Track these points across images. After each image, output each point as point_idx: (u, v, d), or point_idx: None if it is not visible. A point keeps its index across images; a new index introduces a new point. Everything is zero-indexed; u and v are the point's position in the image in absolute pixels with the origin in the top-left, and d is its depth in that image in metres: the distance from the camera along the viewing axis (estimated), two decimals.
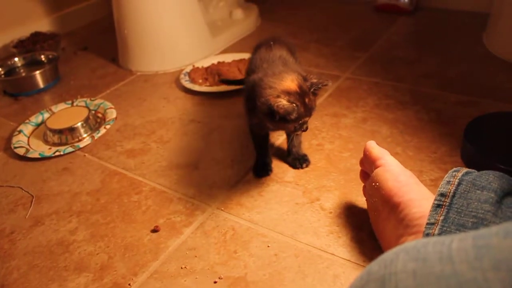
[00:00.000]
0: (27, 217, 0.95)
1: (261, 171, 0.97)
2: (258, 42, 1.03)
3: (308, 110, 0.80)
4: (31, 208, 0.97)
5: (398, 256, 0.37)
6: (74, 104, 1.34)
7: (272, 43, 0.97)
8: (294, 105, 0.76)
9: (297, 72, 0.82)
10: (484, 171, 0.65)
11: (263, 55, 0.93)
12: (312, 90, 0.80)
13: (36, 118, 1.30)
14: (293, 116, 0.77)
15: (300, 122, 0.80)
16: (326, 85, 0.82)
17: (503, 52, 1.35)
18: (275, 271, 0.74)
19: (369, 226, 0.79)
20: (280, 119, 0.78)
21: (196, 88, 1.34)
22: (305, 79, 0.81)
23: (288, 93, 0.78)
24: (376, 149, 0.77)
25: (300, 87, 0.79)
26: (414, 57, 1.41)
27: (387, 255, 0.39)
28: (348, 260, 0.75)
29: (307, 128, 0.84)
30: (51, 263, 0.82)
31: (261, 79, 0.82)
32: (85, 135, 1.20)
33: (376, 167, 0.75)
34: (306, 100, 0.79)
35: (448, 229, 0.60)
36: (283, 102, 0.76)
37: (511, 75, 1.25)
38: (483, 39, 1.47)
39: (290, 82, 0.79)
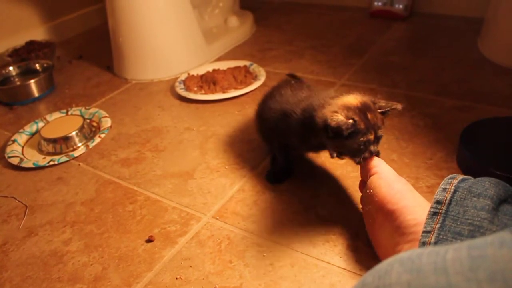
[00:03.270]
0: (20, 227, 0.94)
1: (283, 175, 0.96)
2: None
3: (371, 127, 0.73)
4: (25, 218, 0.96)
5: (392, 267, 0.36)
6: (69, 113, 1.33)
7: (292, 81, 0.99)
8: (351, 120, 0.71)
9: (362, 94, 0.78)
10: (480, 178, 0.65)
11: (293, 87, 0.94)
12: (380, 111, 0.76)
13: (31, 127, 1.29)
14: (348, 131, 0.71)
15: (363, 140, 0.74)
16: (395, 109, 0.77)
17: (497, 57, 1.35)
18: (271, 281, 0.74)
19: (365, 234, 0.78)
20: (335, 136, 0.73)
21: (191, 96, 1.33)
22: (373, 101, 0.76)
23: (347, 107, 0.73)
24: (371, 158, 0.77)
25: (362, 103, 0.74)
26: (409, 63, 1.41)
27: (382, 266, 0.38)
28: (344, 269, 0.74)
29: (377, 152, 0.77)
30: (44, 274, 0.81)
31: (319, 100, 0.79)
32: (79, 144, 1.19)
33: (371, 175, 0.75)
34: (369, 115, 0.73)
35: (444, 237, 0.60)
36: (338, 116, 0.72)
37: (506, 80, 1.25)
38: (477, 44, 1.47)
39: (352, 98, 0.75)
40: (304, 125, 0.82)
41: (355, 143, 0.74)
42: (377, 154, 0.82)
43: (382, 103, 0.77)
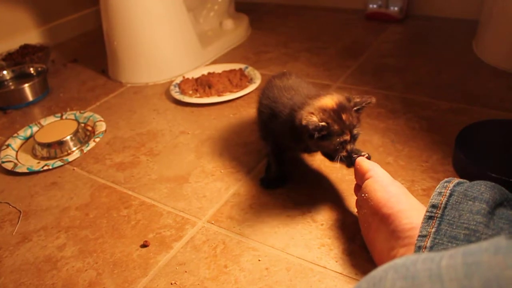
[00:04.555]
0: (14, 233, 0.93)
1: (277, 182, 0.96)
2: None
3: (346, 127, 0.76)
4: (19, 224, 0.95)
5: (387, 274, 0.36)
6: (64, 117, 1.33)
7: (285, 72, 0.98)
8: (323, 123, 0.74)
9: (338, 94, 0.81)
10: (475, 181, 0.65)
11: (282, 84, 0.93)
12: (355, 108, 0.79)
13: (25, 132, 1.28)
14: (320, 133, 0.75)
15: (340, 141, 0.76)
16: (369, 103, 0.80)
17: (493, 59, 1.35)
18: (266, 285, 0.73)
19: (361, 238, 0.78)
20: (312, 137, 0.76)
21: (186, 99, 1.33)
22: (348, 99, 0.79)
23: (323, 110, 0.76)
24: (365, 162, 0.77)
25: (338, 104, 0.77)
26: (405, 65, 1.41)
27: (376, 273, 0.38)
28: (340, 273, 0.74)
29: (351, 149, 0.79)
30: (38, 280, 0.81)
31: (300, 101, 0.82)
32: (74, 149, 1.18)
33: (366, 178, 0.74)
34: (344, 116, 0.76)
35: (440, 241, 0.59)
36: (312, 117, 0.75)
37: (502, 82, 1.25)
38: (473, 47, 1.47)
39: (329, 99, 0.78)
40: (291, 125, 0.83)
41: (331, 144, 0.77)
42: (368, 158, 0.82)
43: (357, 99, 0.80)
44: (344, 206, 0.88)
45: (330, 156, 0.80)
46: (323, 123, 0.74)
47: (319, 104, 0.78)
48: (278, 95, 0.90)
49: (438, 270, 0.33)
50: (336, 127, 0.76)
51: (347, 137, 0.77)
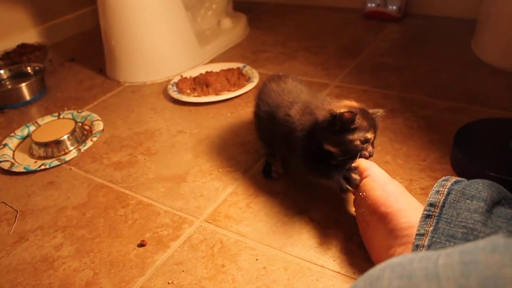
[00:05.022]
0: (10, 233, 0.93)
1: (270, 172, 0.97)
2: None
3: (372, 126, 0.77)
4: (15, 224, 0.95)
5: (383, 273, 0.36)
6: (61, 116, 1.32)
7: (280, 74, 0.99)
8: (357, 113, 0.75)
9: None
10: (473, 180, 0.64)
11: (280, 88, 0.93)
12: None
13: (22, 131, 1.28)
14: (355, 124, 0.75)
15: (365, 137, 0.76)
16: (380, 115, 0.82)
17: (491, 58, 1.35)
18: (264, 285, 0.73)
19: (359, 237, 0.77)
20: (341, 130, 0.76)
21: (184, 98, 1.33)
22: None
23: (350, 107, 0.77)
24: (363, 161, 0.77)
25: (362, 106, 0.79)
26: (403, 64, 1.41)
27: (373, 272, 0.38)
28: (338, 272, 0.73)
29: (371, 153, 0.79)
30: (34, 280, 0.80)
31: (316, 102, 0.83)
32: (71, 148, 1.18)
33: (364, 177, 0.74)
34: (368, 115, 0.78)
35: (438, 240, 0.59)
36: (346, 110, 0.75)
37: (500, 81, 1.25)
38: (471, 46, 1.47)
39: (350, 101, 0.80)
40: (302, 127, 0.82)
41: (357, 138, 0.76)
42: (371, 154, 0.82)
43: (369, 110, 0.81)
44: (342, 205, 0.87)
45: (350, 154, 0.79)
46: (356, 112, 0.75)
47: (345, 103, 0.80)
48: (278, 101, 0.90)
49: (435, 269, 0.33)
50: (365, 122, 0.76)
51: (372, 136, 0.78)
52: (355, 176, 0.76)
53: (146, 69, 1.51)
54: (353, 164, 0.77)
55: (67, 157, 1.14)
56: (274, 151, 0.97)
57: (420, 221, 0.62)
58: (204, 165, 1.05)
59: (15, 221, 0.96)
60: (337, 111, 0.75)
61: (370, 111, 0.80)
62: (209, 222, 0.88)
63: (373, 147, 0.79)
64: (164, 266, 0.79)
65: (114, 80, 1.56)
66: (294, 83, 0.94)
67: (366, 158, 0.78)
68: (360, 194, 0.73)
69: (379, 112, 0.82)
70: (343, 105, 0.78)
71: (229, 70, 1.46)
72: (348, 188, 0.76)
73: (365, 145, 0.77)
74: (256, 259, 0.78)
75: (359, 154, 0.78)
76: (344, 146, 0.77)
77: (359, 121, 0.75)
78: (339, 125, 0.75)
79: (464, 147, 0.92)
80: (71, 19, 2.11)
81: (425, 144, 1.01)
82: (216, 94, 1.33)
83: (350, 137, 0.76)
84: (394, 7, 1.75)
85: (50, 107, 1.44)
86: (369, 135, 0.77)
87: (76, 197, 1.01)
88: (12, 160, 1.16)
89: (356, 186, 0.76)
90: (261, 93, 0.96)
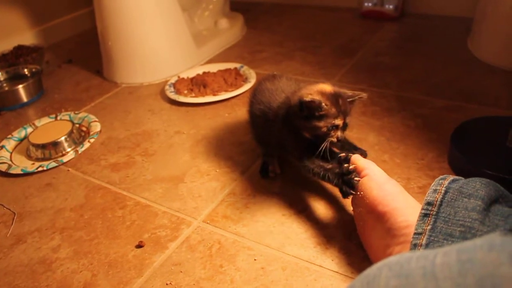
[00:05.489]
0: (8, 235, 0.92)
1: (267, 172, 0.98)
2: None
3: (341, 112, 0.78)
4: (13, 226, 0.95)
5: (381, 272, 0.36)
6: (58, 118, 1.32)
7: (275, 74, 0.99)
8: (323, 103, 0.76)
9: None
10: (471, 178, 0.64)
11: (274, 87, 0.93)
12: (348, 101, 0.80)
13: (19, 133, 1.28)
14: (321, 111, 0.76)
15: (332, 123, 0.77)
16: (361, 97, 0.82)
17: (487, 56, 1.35)
18: (262, 285, 0.73)
19: (357, 237, 0.77)
20: (309, 116, 0.77)
21: (181, 99, 1.32)
22: (342, 91, 0.81)
23: (322, 93, 0.78)
24: (361, 160, 0.77)
25: (335, 90, 0.80)
26: (400, 63, 1.41)
27: (371, 271, 0.38)
28: (336, 272, 0.73)
29: (341, 138, 0.80)
30: (32, 282, 0.80)
31: (294, 89, 0.85)
32: (69, 150, 1.18)
33: (362, 177, 0.74)
34: (340, 101, 0.78)
35: (435, 239, 0.59)
36: (313, 95, 0.76)
37: (496, 79, 1.25)
38: (468, 44, 1.47)
39: (326, 85, 0.81)
40: (283, 115, 0.84)
41: (324, 125, 0.77)
42: (364, 155, 0.82)
43: (349, 93, 0.81)
44: (340, 205, 0.87)
45: (319, 139, 0.80)
46: (322, 101, 0.76)
47: (317, 88, 0.80)
48: (271, 99, 0.90)
49: (432, 268, 0.33)
50: (333, 109, 0.77)
51: (340, 122, 0.78)
52: (356, 179, 0.75)
53: (143, 70, 1.51)
54: (350, 167, 0.76)
55: (65, 159, 1.13)
56: (269, 151, 0.97)
57: (417, 220, 0.62)
58: (202, 166, 1.05)
59: (12, 223, 0.96)
60: (304, 98, 0.76)
61: (350, 93, 0.81)
62: (207, 223, 0.88)
63: (343, 131, 0.80)
64: (162, 267, 0.79)
65: (111, 81, 1.56)
66: (289, 82, 0.94)
67: (334, 144, 0.81)
68: (358, 193, 0.73)
69: (360, 95, 0.82)
70: (314, 91, 0.79)
71: (226, 70, 1.46)
72: (351, 192, 0.75)
73: (332, 131, 0.78)
74: (254, 259, 0.78)
75: (325, 143, 0.79)
76: (313, 131, 0.79)
77: (326, 107, 0.76)
78: (306, 111, 0.77)
79: (461, 145, 0.92)
80: (67, 20, 2.10)
81: (423, 143, 1.01)
82: (214, 95, 1.33)
83: (317, 123, 0.78)
84: (391, 6, 1.75)
85: (47, 109, 1.44)
86: (337, 122, 0.78)
87: (73, 198, 1.00)
88: (10, 162, 1.16)
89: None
90: (255, 92, 0.97)
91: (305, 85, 0.84)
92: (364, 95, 0.82)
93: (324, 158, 0.81)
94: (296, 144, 0.84)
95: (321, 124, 0.77)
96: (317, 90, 0.79)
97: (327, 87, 0.80)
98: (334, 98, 0.78)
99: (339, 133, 0.79)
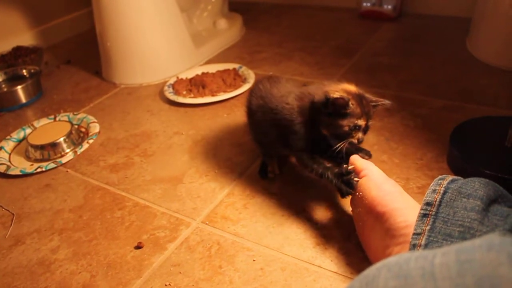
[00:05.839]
0: (7, 236, 0.92)
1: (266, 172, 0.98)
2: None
3: (365, 113, 0.77)
4: (11, 227, 0.95)
5: (380, 273, 0.36)
6: (57, 119, 1.32)
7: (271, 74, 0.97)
8: (350, 101, 0.75)
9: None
10: (470, 178, 0.64)
11: (272, 82, 0.92)
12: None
13: (18, 134, 1.28)
14: (347, 110, 0.75)
15: (355, 123, 0.77)
16: (384, 104, 0.81)
17: (486, 56, 1.35)
18: (261, 286, 0.73)
19: (356, 237, 0.77)
20: (334, 114, 0.76)
21: (180, 99, 1.32)
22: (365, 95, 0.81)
23: (347, 91, 0.77)
24: (360, 161, 0.77)
25: (360, 92, 0.79)
26: (399, 63, 1.41)
27: (370, 272, 0.38)
28: (335, 272, 0.73)
29: (361, 140, 0.79)
30: (31, 283, 0.80)
31: (315, 87, 0.84)
32: (67, 150, 1.18)
33: (361, 177, 0.74)
34: (364, 102, 0.78)
35: (435, 239, 0.59)
36: (340, 93, 0.75)
37: (495, 79, 1.25)
38: (466, 44, 1.47)
39: (351, 86, 0.80)
40: (297, 107, 0.82)
41: (348, 124, 0.76)
42: (369, 156, 0.82)
43: (373, 98, 0.80)
44: (339, 205, 0.87)
45: (339, 138, 0.79)
46: (349, 98, 0.75)
47: (342, 86, 0.79)
48: (273, 92, 0.89)
49: (431, 268, 0.33)
50: (358, 109, 0.76)
51: (363, 123, 0.77)
52: (356, 179, 0.75)
53: (142, 70, 1.51)
54: (349, 167, 0.76)
55: (64, 160, 1.13)
56: (269, 151, 0.97)
57: (417, 220, 0.62)
58: (201, 166, 1.05)
59: (11, 224, 0.95)
60: (332, 94, 0.75)
61: (374, 99, 0.80)
62: (206, 224, 0.88)
63: (364, 134, 0.79)
64: (161, 268, 0.79)
65: (110, 82, 1.56)
66: (287, 81, 0.93)
67: (355, 144, 0.80)
68: (357, 193, 0.73)
69: (383, 102, 0.81)
70: (340, 89, 0.78)
71: (225, 71, 1.46)
72: (350, 192, 0.76)
73: (353, 132, 0.77)
74: (253, 260, 0.78)
75: (346, 140, 0.78)
76: (334, 129, 0.78)
77: (352, 107, 0.75)
78: (332, 108, 0.76)
79: (460, 145, 0.92)
80: (66, 21, 2.10)
81: (422, 143, 1.01)
82: (212, 95, 1.33)
83: (341, 121, 0.77)
84: (390, 7, 1.75)
85: (46, 110, 1.43)
86: (360, 122, 0.77)
87: (72, 199, 1.00)
88: (8, 163, 1.15)
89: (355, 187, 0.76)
90: (253, 90, 0.96)
91: (329, 82, 0.83)
92: (387, 102, 0.81)
93: (332, 158, 0.81)
94: (305, 139, 0.82)
95: (344, 122, 0.77)
96: (343, 88, 0.79)
97: (352, 87, 0.79)
98: (359, 98, 0.77)
99: (360, 134, 0.78)
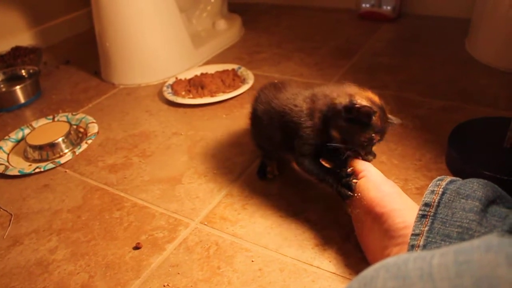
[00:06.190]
0: (5, 237, 0.92)
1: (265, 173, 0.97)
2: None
3: (383, 129, 0.75)
4: (10, 227, 0.94)
5: (378, 274, 0.36)
6: (55, 119, 1.32)
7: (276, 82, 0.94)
8: (377, 112, 0.72)
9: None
10: (468, 179, 0.64)
11: (278, 86, 0.90)
12: None
13: (16, 134, 1.27)
14: (370, 120, 0.72)
15: (372, 137, 0.74)
16: (392, 122, 0.78)
17: (485, 57, 1.35)
18: (260, 286, 0.72)
19: (355, 238, 0.77)
20: (353, 120, 0.73)
21: (179, 100, 1.32)
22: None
23: (372, 102, 0.74)
24: (359, 162, 0.77)
25: (382, 103, 0.75)
26: (398, 64, 1.41)
27: (368, 272, 0.38)
28: (334, 273, 0.73)
29: (369, 151, 0.77)
30: (29, 284, 0.80)
31: (331, 89, 0.80)
32: (66, 151, 1.17)
33: (359, 178, 0.74)
34: (385, 117, 0.75)
35: (433, 240, 0.59)
36: (367, 103, 0.72)
37: (494, 79, 1.25)
38: (465, 45, 1.47)
39: (375, 95, 0.76)
40: (310, 113, 0.79)
41: (365, 136, 0.74)
42: (373, 156, 0.81)
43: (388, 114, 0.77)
44: (338, 207, 0.87)
45: (354, 146, 0.76)
46: (376, 111, 0.72)
47: (367, 94, 0.75)
48: (279, 96, 0.87)
49: (430, 269, 0.33)
50: (379, 122, 0.73)
51: (377, 138, 0.75)
52: (354, 181, 0.74)
53: (141, 71, 1.51)
54: (348, 170, 0.76)
55: (62, 160, 1.13)
56: (271, 155, 0.96)
57: (415, 221, 0.62)
58: (199, 167, 1.04)
59: (9, 224, 0.95)
60: (360, 101, 0.72)
61: (389, 116, 0.77)
62: (205, 224, 0.87)
63: (372, 146, 0.77)
64: (160, 269, 0.79)
65: (109, 82, 1.56)
66: (293, 85, 0.91)
67: (362, 157, 0.77)
68: (356, 195, 0.73)
69: (395, 120, 0.78)
70: (365, 96, 0.74)
71: (224, 71, 1.46)
72: (350, 195, 0.74)
73: (366, 143, 0.75)
74: (252, 261, 0.78)
75: (355, 149, 0.75)
76: (348, 135, 0.75)
77: (375, 119, 0.72)
78: (354, 115, 0.72)
79: (459, 146, 0.92)
80: (65, 21, 2.10)
81: (420, 144, 1.01)
82: (211, 96, 1.33)
83: (359, 130, 0.73)
84: (389, 8, 1.75)
85: (45, 110, 1.43)
86: (376, 136, 0.74)
87: (71, 200, 1.00)
88: (7, 163, 1.15)
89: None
90: (258, 96, 0.93)
91: (350, 84, 0.80)
92: (398, 120, 0.78)
93: (332, 158, 0.80)
94: (310, 145, 0.80)
95: (362, 133, 0.73)
96: (368, 97, 0.75)
97: (376, 98, 0.76)
98: (382, 112, 0.74)
99: (369, 148, 0.76)
